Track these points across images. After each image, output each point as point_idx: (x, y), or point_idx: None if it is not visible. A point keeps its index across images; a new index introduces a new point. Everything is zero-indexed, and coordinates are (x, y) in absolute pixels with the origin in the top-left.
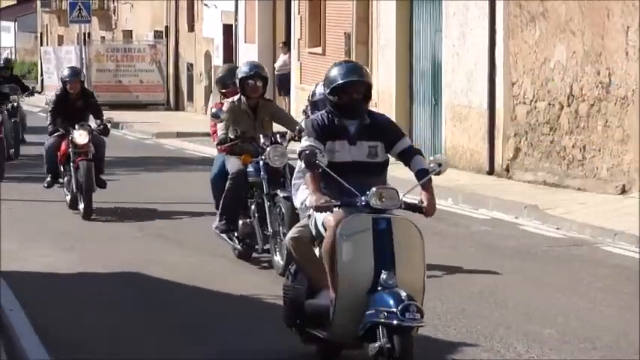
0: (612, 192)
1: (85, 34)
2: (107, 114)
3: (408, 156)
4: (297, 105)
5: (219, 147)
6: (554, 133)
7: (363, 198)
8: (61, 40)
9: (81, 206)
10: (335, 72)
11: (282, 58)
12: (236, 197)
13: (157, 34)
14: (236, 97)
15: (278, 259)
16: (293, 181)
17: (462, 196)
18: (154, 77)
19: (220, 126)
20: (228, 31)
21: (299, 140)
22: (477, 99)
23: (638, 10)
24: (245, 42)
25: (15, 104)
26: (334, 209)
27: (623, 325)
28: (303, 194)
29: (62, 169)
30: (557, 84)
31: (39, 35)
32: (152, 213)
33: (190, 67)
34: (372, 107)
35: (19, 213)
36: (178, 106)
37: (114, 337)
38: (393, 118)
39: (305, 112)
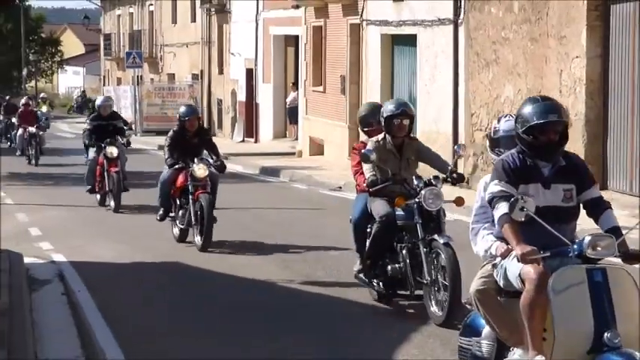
0: None
1: (138, 76)
2: (155, 140)
3: (597, 208)
4: (303, 132)
5: (358, 188)
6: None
7: (574, 247)
8: (119, 81)
9: (197, 239)
10: (530, 109)
11: (292, 95)
12: (384, 241)
13: (194, 76)
14: (380, 136)
15: (435, 309)
16: (471, 225)
17: None
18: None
19: (368, 167)
20: (250, 73)
21: (452, 182)
22: (444, 127)
23: (570, 58)
24: (263, 82)
25: (129, 139)
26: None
27: None
28: (485, 241)
29: (176, 202)
30: None
31: (102, 77)
32: None
33: (220, 102)
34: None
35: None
36: (210, 132)
37: (160, 312)
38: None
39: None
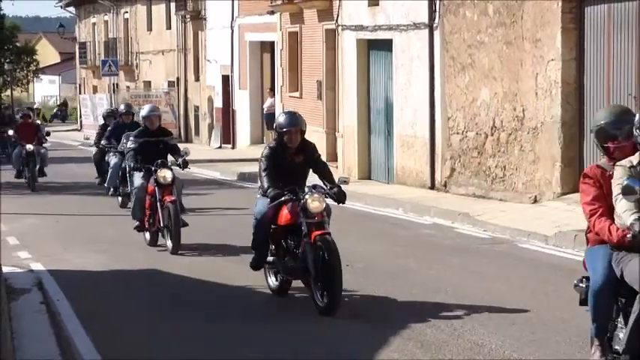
0: (526, 202)
1: (114, 84)
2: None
3: None
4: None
5: (593, 237)
6: (480, 156)
7: None
8: (95, 89)
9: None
10: None
11: (269, 101)
12: None
13: (170, 84)
14: (636, 158)
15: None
16: None
17: (410, 206)
18: (168, 117)
19: (628, 206)
20: (226, 80)
21: None
22: (421, 130)
23: (545, 61)
24: (239, 88)
25: (186, 157)
26: None
27: (536, 305)
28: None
29: (273, 244)
30: (483, 118)
31: (78, 86)
32: None
33: (197, 108)
34: (338, 139)
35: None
36: (187, 139)
37: (141, 319)
38: (356, 147)
39: None
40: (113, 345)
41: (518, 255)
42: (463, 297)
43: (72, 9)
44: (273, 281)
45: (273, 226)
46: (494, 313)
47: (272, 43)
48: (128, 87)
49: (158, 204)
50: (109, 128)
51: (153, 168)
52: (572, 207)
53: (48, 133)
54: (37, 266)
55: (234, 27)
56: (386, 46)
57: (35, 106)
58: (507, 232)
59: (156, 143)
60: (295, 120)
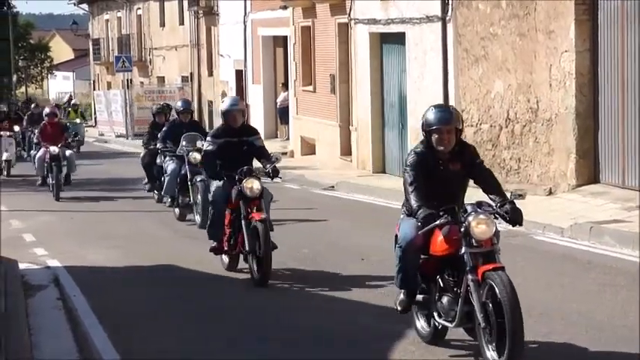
0: (541, 194)
1: (128, 80)
2: None
3: None
4: (294, 132)
5: None
6: (495, 149)
7: None
8: (109, 85)
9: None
10: None
11: (282, 95)
12: None
13: (184, 79)
14: None
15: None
16: None
17: None
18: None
19: None
20: (239, 75)
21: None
22: None
23: (559, 52)
24: (253, 83)
25: (276, 164)
26: None
27: (551, 298)
28: None
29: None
30: (497, 110)
31: (92, 82)
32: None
33: (210, 103)
34: (352, 132)
35: None
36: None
37: (157, 315)
38: (370, 140)
39: None
40: (130, 340)
41: (534, 247)
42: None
43: (85, 6)
44: (423, 326)
45: (423, 256)
46: None
47: (285, 38)
48: (142, 83)
49: (243, 222)
50: (164, 128)
51: (236, 177)
52: (587, 199)
53: (76, 135)
54: (54, 263)
55: (246, 22)
56: (399, 39)
57: (73, 102)
58: (522, 224)
59: (239, 145)
60: (448, 116)
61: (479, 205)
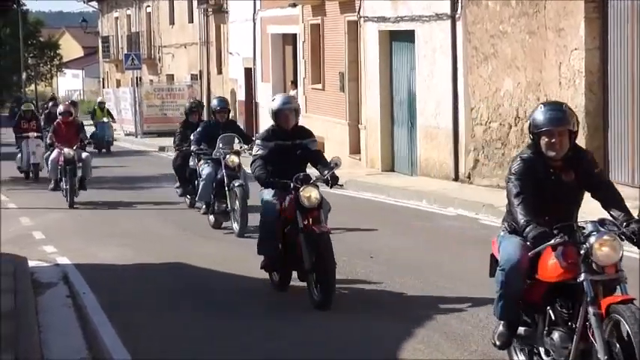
0: None
1: (137, 78)
2: (155, 141)
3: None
4: None
5: None
6: (504, 147)
7: None
8: (118, 83)
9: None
10: None
11: (291, 93)
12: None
13: (193, 77)
14: None
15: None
16: None
17: (434, 197)
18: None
19: None
20: (249, 73)
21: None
22: (444, 122)
23: (568, 50)
24: (262, 81)
25: (336, 170)
26: None
27: None
28: None
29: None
30: (506, 108)
31: (101, 80)
32: (191, 215)
33: None
34: (361, 130)
35: None
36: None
37: (166, 312)
38: (379, 139)
39: None
40: (139, 338)
41: None
42: (487, 288)
43: (95, 4)
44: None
45: (529, 281)
46: None
47: (294, 36)
48: (151, 80)
49: (301, 235)
50: (198, 129)
51: (291, 184)
52: None
53: (93, 136)
54: (63, 260)
55: (256, 20)
56: (408, 37)
57: (99, 100)
58: None
59: (291, 148)
60: (560, 115)
61: (601, 223)
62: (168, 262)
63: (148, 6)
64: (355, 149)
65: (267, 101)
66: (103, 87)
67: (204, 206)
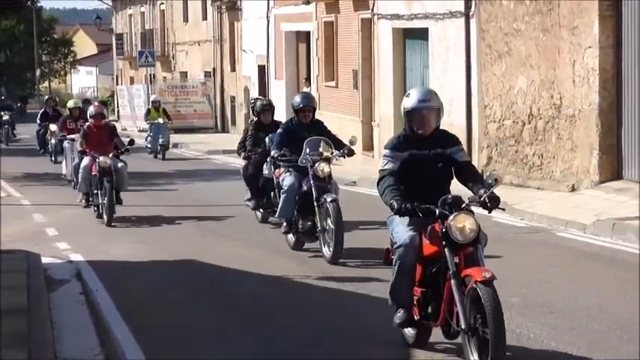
0: (564, 190)
1: (150, 75)
2: (170, 137)
3: None
4: None
5: None
6: (518, 145)
7: None
8: (132, 80)
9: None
10: None
11: (304, 90)
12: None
13: (207, 74)
14: None
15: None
16: None
17: None
18: (204, 107)
19: None
20: (262, 70)
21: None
22: (457, 119)
23: (582, 48)
24: (275, 78)
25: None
26: None
27: (573, 294)
28: None
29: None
30: (520, 106)
31: (115, 77)
32: (206, 213)
33: (233, 99)
34: (374, 128)
35: None
36: (224, 129)
37: (179, 310)
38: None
39: None
40: (152, 335)
41: (556, 243)
42: (500, 285)
43: (109, 1)
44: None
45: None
46: (531, 301)
47: (308, 33)
48: (165, 78)
49: (452, 282)
50: (279, 131)
51: (436, 211)
52: (610, 195)
53: (131, 142)
54: (76, 257)
55: (269, 17)
56: (422, 34)
57: (153, 98)
58: (545, 220)
59: (432, 160)
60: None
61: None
62: (183, 260)
63: (162, 3)
64: (368, 146)
65: (281, 98)
66: (117, 84)
67: (284, 224)
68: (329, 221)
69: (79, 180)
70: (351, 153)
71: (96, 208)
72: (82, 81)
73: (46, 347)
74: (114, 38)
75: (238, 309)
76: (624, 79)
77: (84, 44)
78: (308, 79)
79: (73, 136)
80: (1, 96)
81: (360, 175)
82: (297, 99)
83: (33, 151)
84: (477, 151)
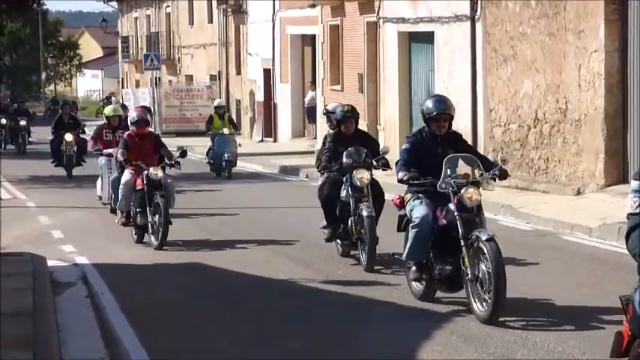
0: (570, 194)
1: (156, 78)
2: (175, 141)
3: None
4: (320, 131)
5: None
6: (523, 149)
7: None
8: (137, 84)
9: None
10: None
11: (310, 94)
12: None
13: (212, 77)
14: None
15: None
16: None
17: None
18: (210, 111)
19: None
20: (268, 73)
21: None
22: (463, 123)
23: (588, 52)
24: (280, 82)
25: None
26: None
27: (579, 298)
28: None
29: None
30: (525, 110)
31: (120, 80)
32: (211, 214)
33: (238, 102)
34: (380, 131)
35: None
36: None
37: (185, 313)
38: (397, 140)
39: None
40: (157, 338)
41: (562, 247)
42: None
43: (114, 4)
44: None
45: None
46: (537, 305)
47: (313, 37)
48: (170, 81)
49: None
50: (404, 147)
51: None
52: (616, 199)
53: (183, 153)
54: (82, 260)
55: (275, 20)
56: (427, 38)
57: (217, 102)
58: (550, 224)
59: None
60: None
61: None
62: (188, 263)
63: (168, 6)
64: None
65: (286, 102)
66: (122, 87)
67: (413, 268)
68: (482, 266)
69: (119, 197)
70: (504, 175)
71: (136, 230)
72: (88, 84)
73: (51, 350)
74: (119, 41)
75: (243, 311)
76: (630, 84)
77: (89, 47)
78: (313, 83)
79: (110, 150)
80: (18, 100)
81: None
82: (429, 104)
83: (39, 154)
84: (483, 154)
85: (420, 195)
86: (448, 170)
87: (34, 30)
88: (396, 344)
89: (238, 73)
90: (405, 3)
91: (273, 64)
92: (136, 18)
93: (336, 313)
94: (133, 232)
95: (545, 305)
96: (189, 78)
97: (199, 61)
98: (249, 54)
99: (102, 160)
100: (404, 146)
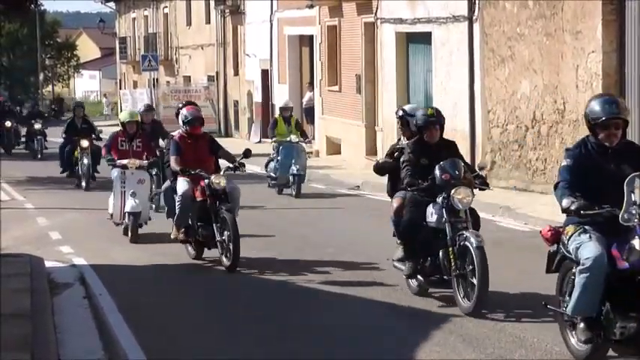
0: None
1: (154, 79)
2: None
3: None
4: (320, 132)
5: None
6: (521, 149)
7: None
8: (135, 84)
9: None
10: None
11: (308, 95)
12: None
13: (210, 78)
14: None
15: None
16: None
17: None
18: (208, 111)
19: None
20: (265, 74)
21: None
22: (461, 124)
23: (585, 53)
24: (278, 83)
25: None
26: None
27: None
28: None
29: None
30: (523, 111)
31: (118, 81)
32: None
33: (236, 103)
34: (378, 132)
35: None
36: (227, 134)
37: (183, 313)
38: (395, 141)
39: None
40: (155, 339)
41: None
42: (504, 290)
43: (112, 4)
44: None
45: None
46: (535, 306)
47: (311, 37)
48: (168, 82)
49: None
50: (564, 164)
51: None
52: None
53: (247, 153)
54: (80, 261)
55: (273, 21)
56: (425, 39)
57: (283, 104)
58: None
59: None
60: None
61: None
62: (186, 264)
63: (166, 7)
64: (371, 151)
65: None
66: (120, 88)
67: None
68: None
69: (177, 211)
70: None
71: (194, 246)
72: (86, 85)
73: (49, 350)
74: (117, 42)
75: (242, 311)
76: (627, 84)
77: (87, 48)
78: (311, 84)
79: (124, 161)
80: (36, 103)
81: (363, 179)
82: (595, 106)
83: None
84: (481, 155)
85: (586, 228)
86: (632, 195)
87: (31, 31)
88: (394, 344)
89: (236, 73)
90: (403, 3)
91: (271, 65)
92: (134, 19)
93: (335, 313)
94: (189, 248)
95: (541, 305)
96: (187, 79)
97: (197, 61)
98: (247, 55)
99: (114, 172)
100: (563, 162)
